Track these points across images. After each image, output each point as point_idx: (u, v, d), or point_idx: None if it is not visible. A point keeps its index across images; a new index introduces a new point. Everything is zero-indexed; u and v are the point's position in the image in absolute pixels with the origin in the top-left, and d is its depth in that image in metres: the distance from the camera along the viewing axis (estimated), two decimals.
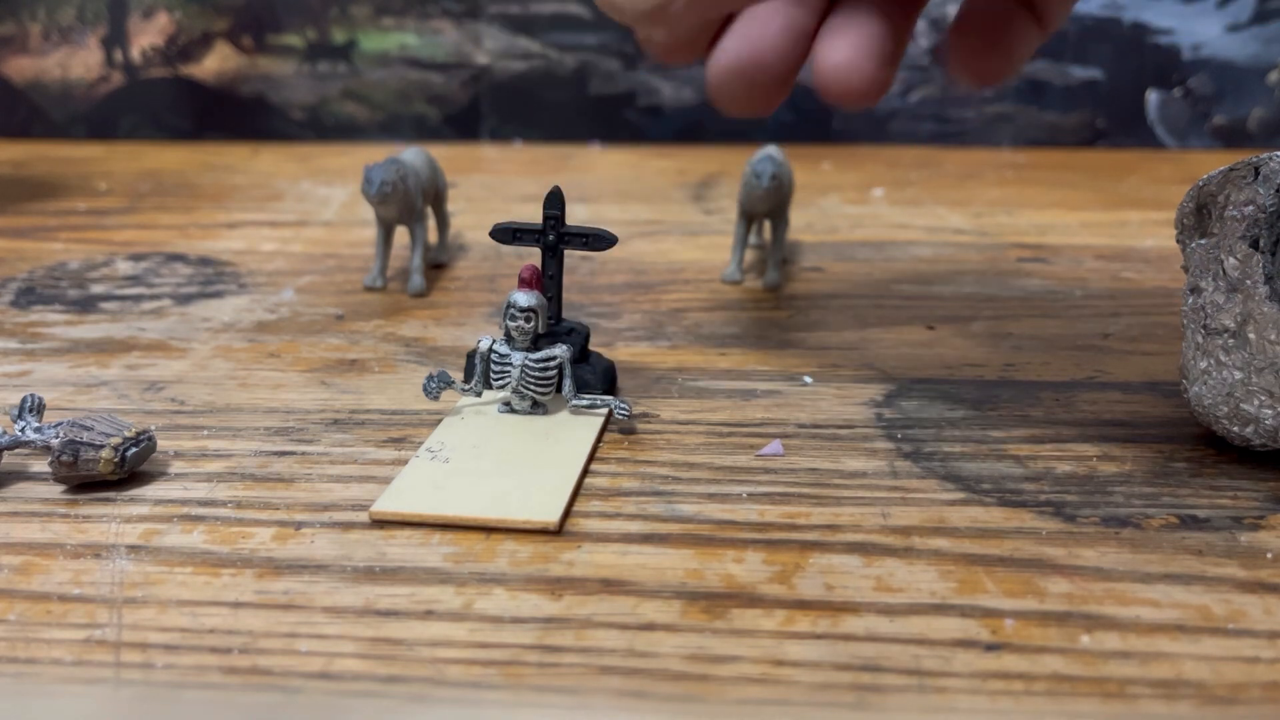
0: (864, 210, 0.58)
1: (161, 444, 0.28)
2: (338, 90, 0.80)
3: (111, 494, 0.25)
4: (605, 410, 0.29)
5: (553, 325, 0.31)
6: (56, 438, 0.25)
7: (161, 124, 0.81)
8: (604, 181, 0.65)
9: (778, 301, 0.41)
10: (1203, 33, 0.78)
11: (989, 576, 0.22)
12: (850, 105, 0.24)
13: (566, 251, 0.31)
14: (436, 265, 0.46)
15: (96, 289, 0.42)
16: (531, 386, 0.29)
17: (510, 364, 0.29)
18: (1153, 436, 0.29)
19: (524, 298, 0.29)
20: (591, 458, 0.27)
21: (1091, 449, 0.28)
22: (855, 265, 0.46)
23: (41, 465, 0.27)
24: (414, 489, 0.25)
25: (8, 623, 0.20)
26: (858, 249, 0.49)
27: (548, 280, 0.31)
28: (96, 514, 0.24)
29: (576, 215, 0.53)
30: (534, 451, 0.27)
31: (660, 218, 0.55)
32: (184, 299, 0.41)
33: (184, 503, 0.25)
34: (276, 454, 0.27)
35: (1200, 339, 0.26)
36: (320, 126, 0.80)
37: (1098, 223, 0.55)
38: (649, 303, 0.41)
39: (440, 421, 0.29)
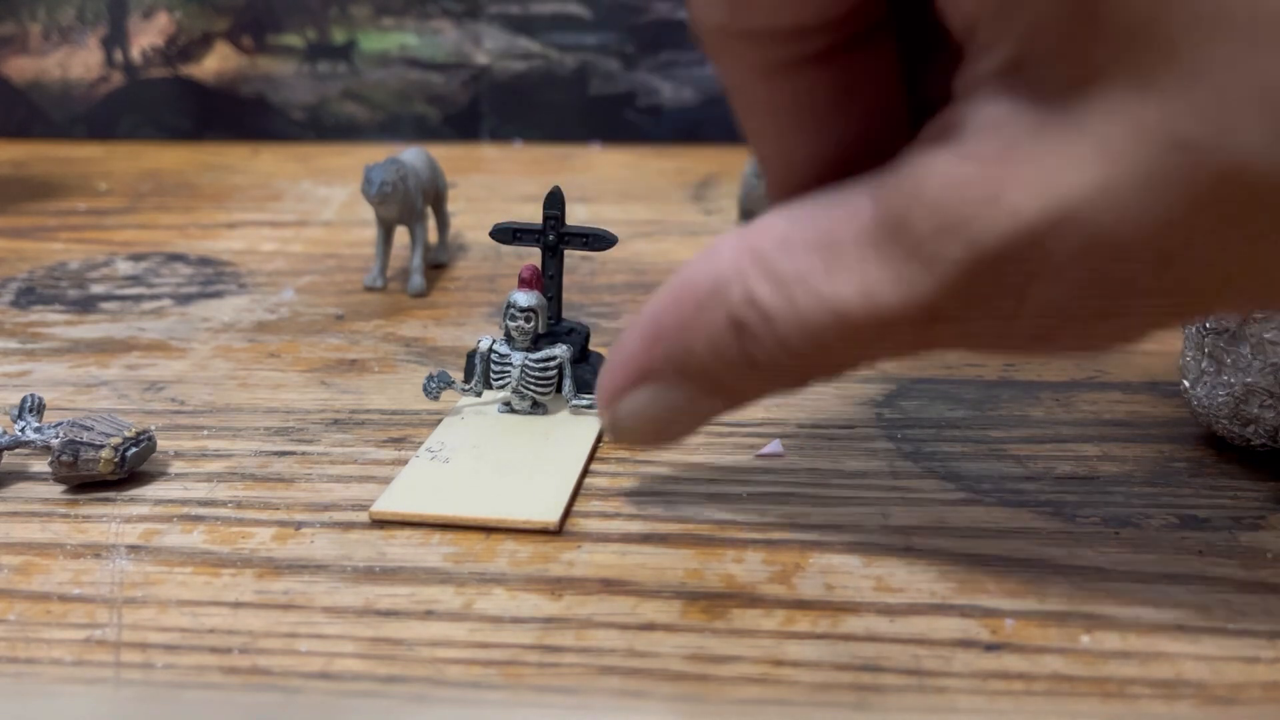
0: None
1: (161, 444, 0.28)
2: (338, 90, 0.80)
3: (111, 494, 0.25)
4: None
5: (553, 325, 0.31)
6: (56, 438, 0.25)
7: (161, 124, 0.81)
8: (604, 181, 0.65)
9: None
10: None
11: (989, 576, 0.22)
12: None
13: (566, 251, 0.31)
14: (436, 265, 0.46)
15: (96, 289, 0.42)
16: (531, 386, 0.29)
17: (510, 364, 0.29)
18: (1153, 436, 0.29)
19: (524, 298, 0.29)
20: (591, 458, 0.27)
21: (1091, 449, 0.28)
22: None
23: (41, 465, 0.27)
24: (414, 489, 0.25)
25: (8, 623, 0.20)
26: None
27: (548, 280, 0.31)
28: (96, 514, 0.24)
29: (576, 215, 0.53)
30: (534, 451, 0.27)
31: (660, 218, 0.55)
32: (184, 299, 0.41)
33: (184, 503, 0.25)
34: (276, 454, 0.27)
35: (1200, 339, 0.26)
36: (320, 126, 0.80)
37: None
38: None
39: (440, 421, 0.29)
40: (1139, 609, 0.21)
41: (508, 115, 0.80)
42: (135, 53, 0.80)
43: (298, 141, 0.80)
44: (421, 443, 0.28)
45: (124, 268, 0.45)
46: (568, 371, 0.29)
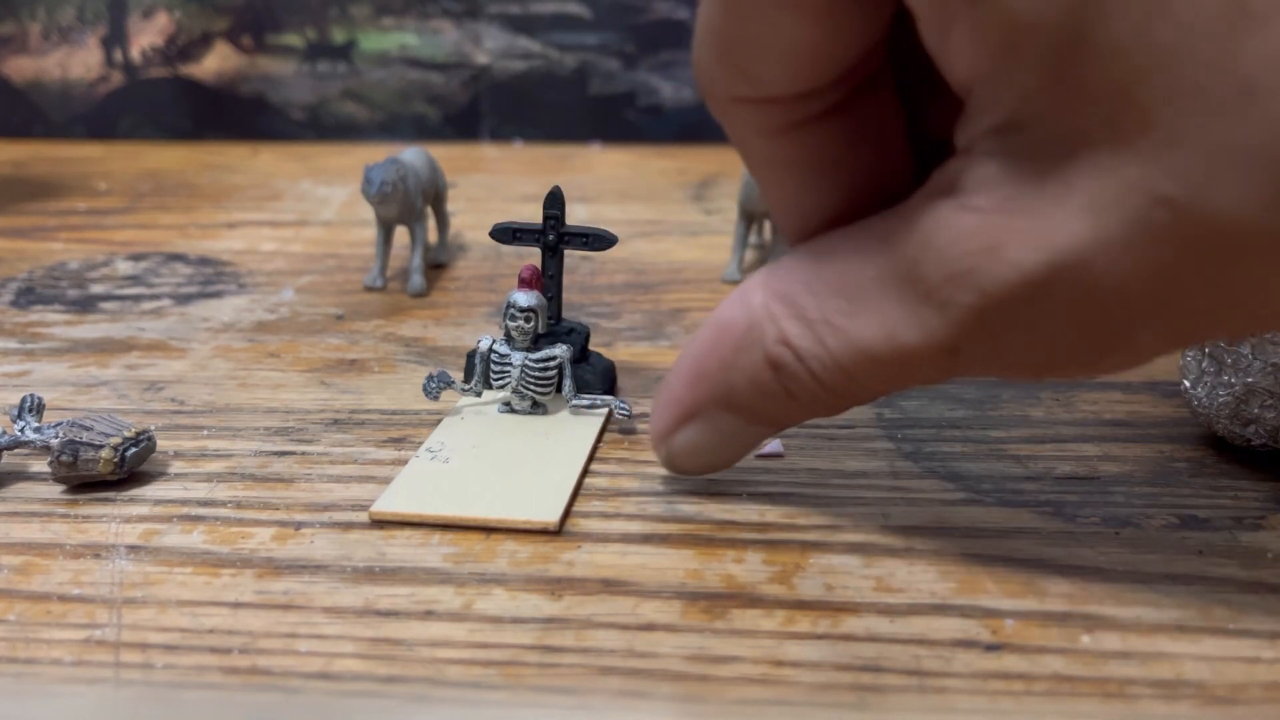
0: None
1: (161, 444, 0.28)
2: (338, 90, 0.80)
3: (111, 494, 0.25)
4: (605, 410, 0.29)
5: (553, 325, 0.31)
6: (56, 438, 0.25)
7: (161, 124, 0.81)
8: (604, 181, 0.65)
9: None
10: None
11: (989, 576, 0.22)
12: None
13: (566, 251, 0.31)
14: (436, 265, 0.46)
15: (96, 289, 0.42)
16: (531, 386, 0.29)
17: (510, 364, 0.29)
18: (1153, 436, 0.29)
19: (524, 298, 0.29)
20: (591, 458, 0.27)
21: (1091, 449, 0.28)
22: None
23: (41, 465, 0.27)
24: (414, 489, 0.25)
25: (8, 623, 0.20)
26: None
27: (548, 280, 0.31)
28: (96, 514, 0.24)
29: (576, 215, 0.53)
30: (534, 452, 0.27)
31: (660, 218, 0.55)
32: (184, 299, 0.41)
33: (184, 503, 0.25)
34: (276, 454, 0.27)
35: None
36: (320, 126, 0.80)
37: None
38: (649, 303, 0.41)
39: (440, 421, 0.29)
40: (1139, 609, 0.21)
41: (508, 115, 0.80)
42: (135, 53, 0.80)
43: (297, 141, 0.80)
44: (421, 443, 0.28)
45: (124, 268, 0.45)
46: (568, 371, 0.29)
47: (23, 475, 0.26)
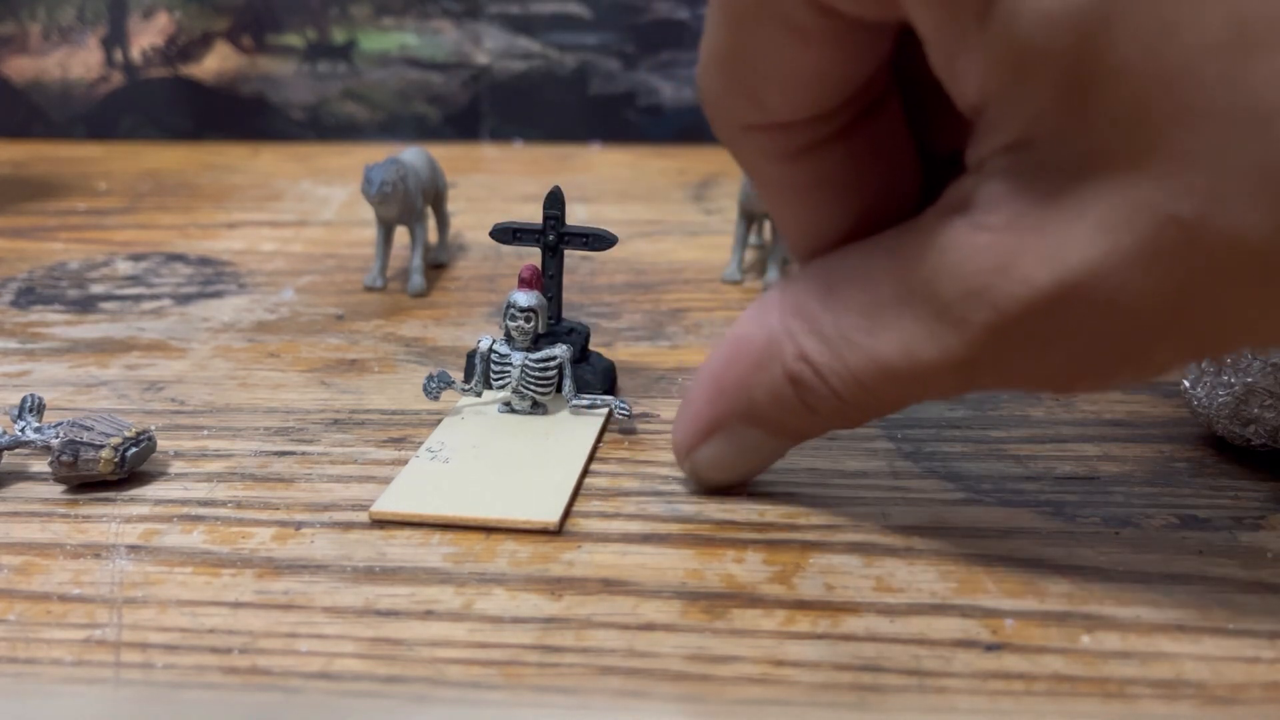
0: None
1: (161, 444, 0.28)
2: (338, 90, 0.80)
3: (111, 494, 0.25)
4: (605, 410, 0.29)
5: (553, 325, 0.31)
6: (56, 438, 0.25)
7: (161, 124, 0.81)
8: (604, 181, 0.65)
9: None
10: None
11: (989, 576, 0.22)
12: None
13: (566, 251, 0.31)
14: (436, 265, 0.46)
15: (96, 289, 0.42)
16: (531, 386, 0.29)
17: (510, 364, 0.29)
18: (1153, 436, 0.29)
19: (524, 298, 0.29)
20: (591, 458, 0.27)
21: (1091, 449, 0.28)
22: None
23: (41, 465, 0.27)
24: (414, 489, 0.25)
25: (8, 623, 0.20)
26: None
27: (548, 280, 0.31)
28: (96, 514, 0.24)
29: (576, 215, 0.53)
30: (534, 451, 0.27)
31: (660, 218, 0.55)
32: (184, 299, 0.41)
33: (184, 503, 0.25)
34: (276, 454, 0.27)
35: None
36: (320, 126, 0.80)
37: None
38: (649, 303, 0.41)
39: (440, 421, 0.29)
40: (1139, 609, 0.21)
41: (508, 115, 0.80)
42: (135, 53, 0.80)
43: (298, 141, 0.80)
44: (421, 443, 0.28)
45: (124, 268, 0.45)
46: (568, 371, 0.29)
47: (23, 475, 0.26)
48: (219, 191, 0.61)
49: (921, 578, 0.22)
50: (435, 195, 0.45)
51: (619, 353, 0.35)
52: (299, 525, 0.24)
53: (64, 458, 0.25)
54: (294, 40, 0.80)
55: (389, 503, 0.24)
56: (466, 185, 0.63)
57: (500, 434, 0.28)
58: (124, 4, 0.80)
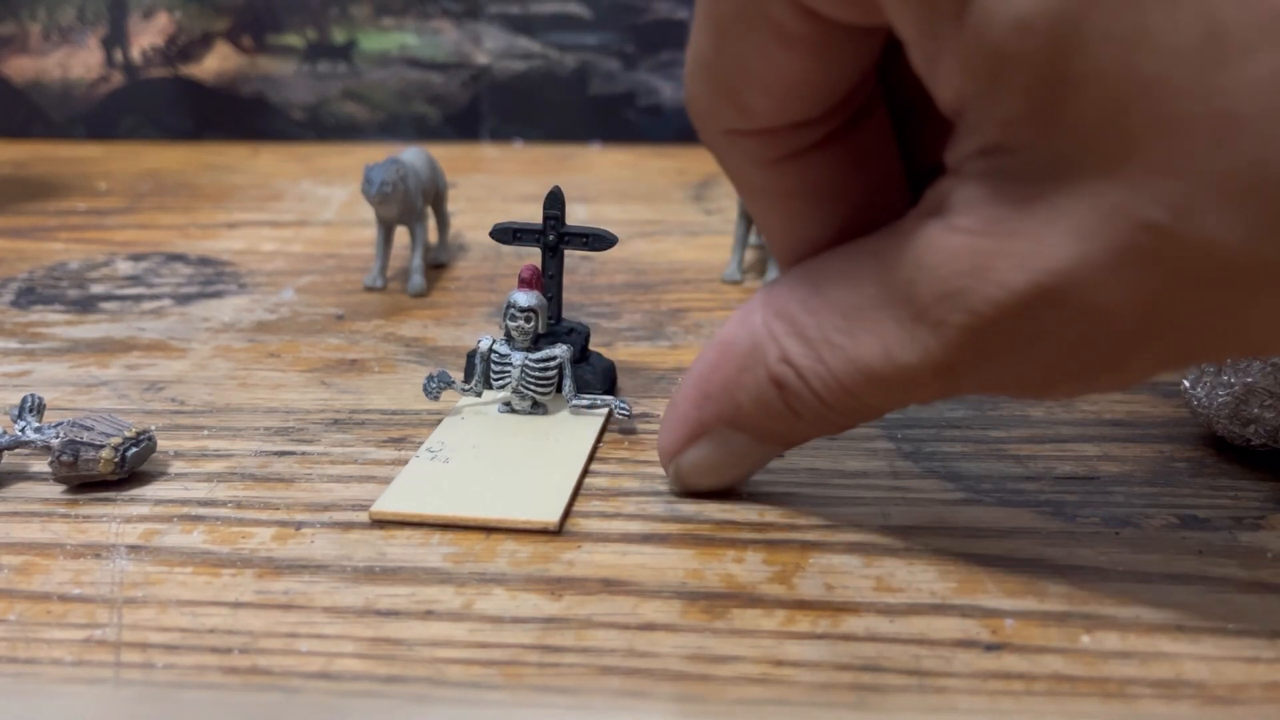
0: None
1: (161, 444, 0.28)
2: (338, 90, 0.80)
3: (111, 494, 0.25)
4: (605, 410, 0.29)
5: (553, 325, 0.31)
6: (56, 438, 0.25)
7: (161, 124, 0.81)
8: (604, 181, 0.65)
9: None
10: None
11: (989, 576, 0.22)
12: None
13: (566, 251, 0.31)
14: (436, 265, 0.46)
15: (96, 289, 0.42)
16: (531, 386, 0.29)
17: (510, 364, 0.29)
18: (1153, 436, 0.29)
19: (524, 298, 0.29)
20: (591, 458, 0.27)
21: (1091, 449, 0.28)
22: None
23: (41, 465, 0.27)
24: (414, 489, 0.25)
25: (8, 623, 0.20)
26: None
27: (548, 280, 0.31)
28: (96, 514, 0.24)
29: (576, 215, 0.53)
30: (534, 451, 0.27)
31: (660, 218, 0.55)
32: (184, 299, 0.41)
33: (184, 503, 0.25)
34: (276, 454, 0.27)
35: None
36: (320, 126, 0.80)
37: None
38: (649, 303, 0.41)
39: (440, 421, 0.29)
40: (1139, 609, 0.21)
41: (508, 115, 0.80)
42: (135, 53, 0.80)
43: (298, 141, 0.80)
44: (421, 443, 0.28)
45: (124, 268, 0.45)
46: (568, 371, 0.29)
47: (23, 475, 0.26)
48: (219, 191, 0.61)
49: (921, 578, 0.22)
50: (435, 195, 0.45)
51: (619, 353, 0.35)
52: (299, 525, 0.24)
53: (64, 458, 0.25)
54: (294, 40, 0.80)
55: (389, 503, 0.24)
56: (466, 185, 0.63)
57: (500, 434, 0.28)
58: (124, 4, 0.80)
